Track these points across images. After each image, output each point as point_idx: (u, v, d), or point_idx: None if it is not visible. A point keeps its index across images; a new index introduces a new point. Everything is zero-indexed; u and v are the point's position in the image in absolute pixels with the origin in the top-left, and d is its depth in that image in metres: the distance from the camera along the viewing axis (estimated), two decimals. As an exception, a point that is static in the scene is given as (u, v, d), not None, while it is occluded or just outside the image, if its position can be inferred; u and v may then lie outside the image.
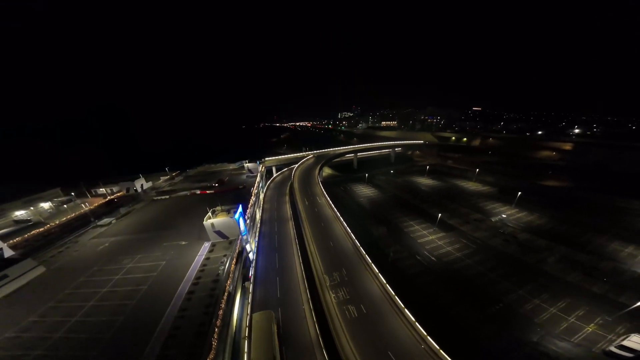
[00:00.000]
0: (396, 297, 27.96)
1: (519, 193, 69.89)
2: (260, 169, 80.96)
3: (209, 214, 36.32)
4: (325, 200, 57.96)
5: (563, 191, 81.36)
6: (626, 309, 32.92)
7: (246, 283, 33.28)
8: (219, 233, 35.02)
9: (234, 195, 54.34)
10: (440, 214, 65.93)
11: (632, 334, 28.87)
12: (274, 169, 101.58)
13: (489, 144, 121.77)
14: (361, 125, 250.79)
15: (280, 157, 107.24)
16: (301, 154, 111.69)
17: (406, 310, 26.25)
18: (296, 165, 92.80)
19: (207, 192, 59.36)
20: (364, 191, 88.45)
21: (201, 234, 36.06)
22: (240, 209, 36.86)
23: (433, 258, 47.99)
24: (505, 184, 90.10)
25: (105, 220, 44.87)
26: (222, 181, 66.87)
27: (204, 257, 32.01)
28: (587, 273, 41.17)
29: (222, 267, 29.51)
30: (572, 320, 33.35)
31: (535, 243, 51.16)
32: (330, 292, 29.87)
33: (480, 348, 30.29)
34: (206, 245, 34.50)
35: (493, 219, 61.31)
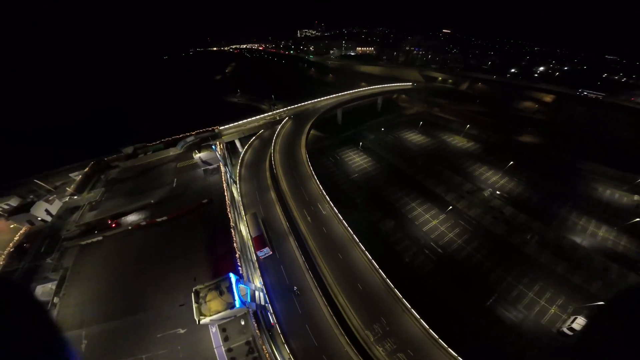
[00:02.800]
0: (438, 337, 30.09)
1: (511, 162, 73.18)
2: (218, 151, 63.20)
3: (195, 294, 26.86)
4: (330, 209, 47.93)
5: (536, 150, 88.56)
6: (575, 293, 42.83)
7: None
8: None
9: (203, 219, 43.10)
10: (436, 189, 68.04)
11: (577, 317, 38.29)
12: (237, 143, 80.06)
13: (477, 89, 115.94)
14: (333, 53, 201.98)
15: (240, 123, 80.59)
16: (270, 114, 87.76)
17: (450, 349, 28.70)
18: (273, 143, 69.46)
19: (158, 220, 44.69)
20: (357, 161, 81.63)
21: (188, 303, 27.47)
22: (233, 279, 27.53)
23: (440, 250, 51.71)
24: (489, 139, 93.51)
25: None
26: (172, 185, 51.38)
27: (223, 347, 26.75)
28: (554, 253, 50.20)
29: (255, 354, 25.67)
30: (543, 303, 42.53)
31: (517, 219, 58.36)
32: (377, 347, 30.12)
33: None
34: (214, 330, 28.27)
35: (485, 193, 65.42)
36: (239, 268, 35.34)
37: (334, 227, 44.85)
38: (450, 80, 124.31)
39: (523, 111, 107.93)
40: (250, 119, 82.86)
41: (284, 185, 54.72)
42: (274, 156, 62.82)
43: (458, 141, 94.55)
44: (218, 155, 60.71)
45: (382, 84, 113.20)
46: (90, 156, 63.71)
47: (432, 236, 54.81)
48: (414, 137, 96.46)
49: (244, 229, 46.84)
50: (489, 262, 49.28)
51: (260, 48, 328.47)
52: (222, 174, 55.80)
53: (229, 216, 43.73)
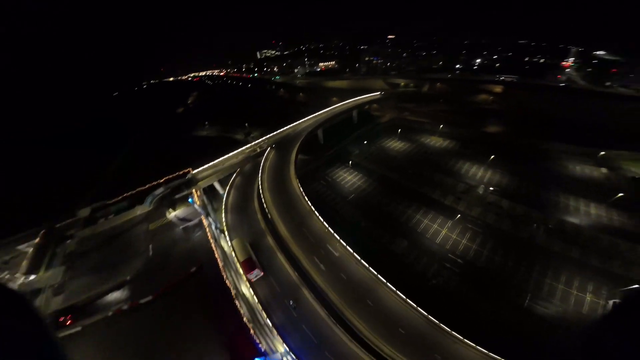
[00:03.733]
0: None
1: (492, 156, 76.36)
2: (196, 203, 55.32)
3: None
4: (343, 249, 42.22)
5: (504, 137, 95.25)
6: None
7: None
8: None
9: (197, 293, 36.58)
10: (434, 195, 67.44)
11: (615, 300, 37.92)
12: (216, 185, 69.95)
13: (437, 89, 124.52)
14: (298, 71, 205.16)
15: (217, 162, 71.24)
16: (249, 146, 79.97)
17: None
18: (259, 180, 61.51)
19: (143, 301, 37.11)
20: (349, 179, 78.50)
21: None
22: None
23: (459, 260, 49.28)
24: (461, 136, 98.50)
25: None
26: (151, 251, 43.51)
27: None
28: (563, 239, 51.06)
29: None
30: (575, 292, 41.77)
31: (517, 211, 59.41)
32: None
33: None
34: None
35: (479, 191, 66.28)
36: (259, 346, 28.18)
37: (352, 269, 39.52)
38: (411, 85, 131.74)
39: (481, 104, 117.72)
40: (227, 156, 74.83)
41: (282, 228, 47.90)
42: (263, 195, 56.01)
43: (435, 141, 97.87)
44: (197, 208, 52.17)
45: (353, 97, 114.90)
46: (38, 223, 50.60)
47: (447, 247, 52.46)
48: (395, 145, 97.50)
49: (245, 290, 38.65)
50: (510, 262, 47.99)
51: (221, 74, 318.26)
52: (207, 228, 47.59)
53: (227, 283, 36.00)
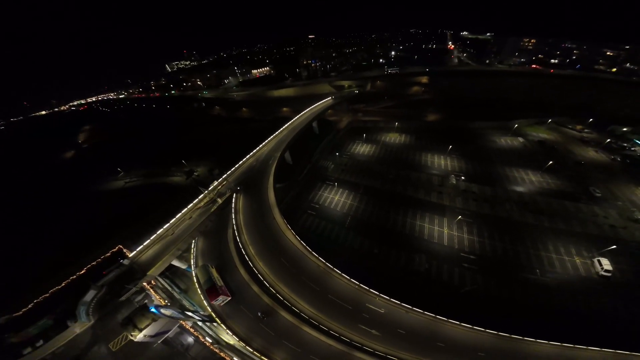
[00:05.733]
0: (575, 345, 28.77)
1: (450, 146, 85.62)
2: (158, 302, 42.74)
3: None
4: (386, 302, 37.60)
5: (441, 123, 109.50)
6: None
7: None
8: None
9: None
10: (419, 195, 70.90)
11: (599, 259, 46.20)
12: (176, 263, 52.35)
13: (378, 86, 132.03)
14: (229, 82, 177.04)
15: (162, 234, 51.05)
16: (203, 196, 60.00)
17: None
18: (240, 243, 47.85)
19: None
20: (336, 200, 73.44)
21: None
22: None
23: (472, 256, 52.39)
24: (412, 128, 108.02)
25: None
26: None
27: None
28: (529, 210, 61.05)
29: None
30: (567, 258, 49.53)
31: (486, 192, 68.53)
32: None
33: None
34: None
35: (452, 181, 73.19)
36: None
37: (404, 320, 35.82)
38: (354, 85, 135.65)
39: (416, 95, 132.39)
40: (174, 221, 53.21)
41: (303, 305, 38.67)
42: (256, 265, 44.64)
43: (395, 138, 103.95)
44: (168, 313, 37.40)
45: (306, 106, 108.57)
46: None
47: (456, 246, 55.44)
48: (363, 149, 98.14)
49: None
50: (507, 244, 54.18)
51: (120, 97, 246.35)
52: (195, 333, 34.70)
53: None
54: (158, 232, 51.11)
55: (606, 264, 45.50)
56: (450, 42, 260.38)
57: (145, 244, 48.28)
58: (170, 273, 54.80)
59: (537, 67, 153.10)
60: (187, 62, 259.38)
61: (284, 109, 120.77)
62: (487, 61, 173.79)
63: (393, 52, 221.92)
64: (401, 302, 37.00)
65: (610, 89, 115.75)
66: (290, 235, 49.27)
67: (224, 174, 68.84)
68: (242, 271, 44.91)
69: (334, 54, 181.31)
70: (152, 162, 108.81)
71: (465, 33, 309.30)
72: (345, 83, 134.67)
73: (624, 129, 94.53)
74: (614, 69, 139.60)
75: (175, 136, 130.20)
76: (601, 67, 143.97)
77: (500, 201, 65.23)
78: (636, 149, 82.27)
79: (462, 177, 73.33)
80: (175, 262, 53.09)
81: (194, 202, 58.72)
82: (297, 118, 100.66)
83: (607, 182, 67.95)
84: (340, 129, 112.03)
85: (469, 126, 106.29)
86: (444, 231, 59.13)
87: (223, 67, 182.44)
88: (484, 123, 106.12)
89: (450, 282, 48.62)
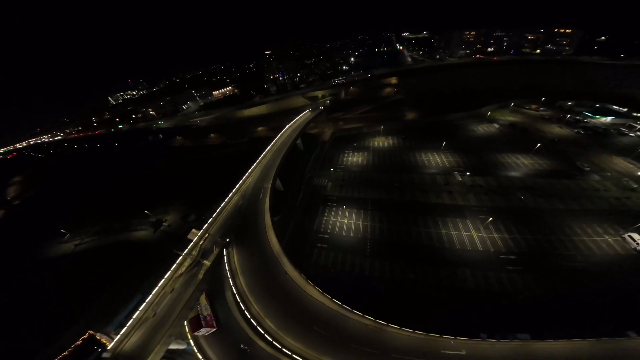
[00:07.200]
0: None
1: (444, 143, 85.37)
2: None
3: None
4: (462, 342, 31.66)
5: (420, 121, 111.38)
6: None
7: None
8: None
9: None
10: (432, 199, 67.64)
11: (631, 234, 46.76)
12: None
13: (352, 93, 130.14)
14: (189, 107, 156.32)
15: (140, 315, 38.23)
16: (183, 257, 45.35)
17: None
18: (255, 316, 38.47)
19: None
20: (346, 224, 64.50)
21: None
22: None
23: (511, 256, 49.39)
24: (396, 130, 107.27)
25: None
26: None
27: None
28: (539, 195, 61.98)
29: None
30: (598, 238, 49.07)
31: (491, 183, 68.37)
32: None
33: None
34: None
35: (458, 177, 71.90)
36: None
37: (490, 353, 29.94)
38: (327, 94, 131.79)
39: (389, 97, 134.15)
40: (151, 299, 39.42)
41: None
42: (284, 344, 34.50)
43: (382, 142, 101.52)
44: None
45: (282, 122, 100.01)
46: None
47: (492, 249, 52.14)
48: (355, 159, 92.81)
49: None
50: (539, 235, 51.68)
51: (56, 138, 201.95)
52: None
53: None
54: (135, 316, 37.44)
55: (638, 238, 46.32)
56: (397, 44, 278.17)
57: (123, 332, 35.34)
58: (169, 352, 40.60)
59: (480, 56, 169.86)
60: (134, 92, 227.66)
61: (259, 128, 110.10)
62: (438, 56, 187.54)
63: (352, 59, 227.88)
64: (473, 333, 31.08)
65: (545, 69, 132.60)
66: (314, 292, 39.45)
67: (205, 223, 54.41)
68: (264, 347, 34.14)
69: (299, 66, 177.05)
70: (105, 216, 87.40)
71: (406, 34, 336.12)
72: (319, 93, 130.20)
73: (569, 103, 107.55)
74: (538, 51, 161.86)
75: (131, 178, 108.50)
76: (527, 50, 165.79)
77: (508, 191, 65.23)
78: (589, 120, 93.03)
79: (467, 173, 72.45)
80: (172, 346, 39.79)
81: (172, 269, 44.19)
82: (279, 137, 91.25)
83: (585, 155, 73.66)
84: (325, 141, 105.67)
85: (446, 119, 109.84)
86: (472, 235, 55.72)
87: (178, 92, 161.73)
88: (458, 114, 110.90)
89: (503, 291, 44.41)
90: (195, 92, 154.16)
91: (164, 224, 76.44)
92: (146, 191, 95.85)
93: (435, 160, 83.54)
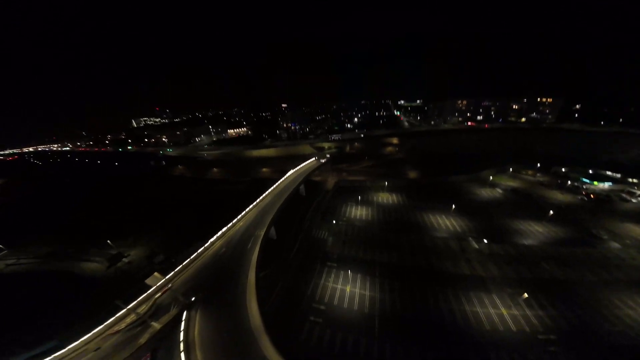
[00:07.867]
0: None
1: (453, 206, 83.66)
2: None
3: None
4: None
5: (424, 180, 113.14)
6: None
7: None
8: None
9: None
10: (448, 267, 60.75)
11: None
12: None
13: (356, 147, 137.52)
14: (202, 141, 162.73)
15: None
16: (123, 312, 35.69)
17: None
18: None
19: None
20: (349, 291, 56.12)
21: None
22: None
23: (551, 336, 40.53)
24: (399, 187, 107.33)
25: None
26: None
27: None
28: (564, 265, 56.54)
29: None
30: None
31: (509, 252, 62.82)
32: None
33: None
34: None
35: (473, 244, 66.65)
36: None
37: None
38: (333, 147, 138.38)
39: (391, 155, 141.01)
40: (68, 350, 30.49)
41: None
42: None
43: (385, 198, 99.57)
44: None
45: (287, 166, 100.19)
46: None
47: (527, 329, 42.27)
48: (359, 213, 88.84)
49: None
50: (578, 310, 43.17)
51: (64, 149, 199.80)
52: None
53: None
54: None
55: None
56: (395, 110, 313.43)
57: None
58: None
59: (472, 124, 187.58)
60: (158, 120, 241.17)
61: (264, 169, 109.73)
62: (432, 122, 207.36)
63: (356, 119, 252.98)
64: None
65: (532, 137, 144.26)
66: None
67: (172, 270, 44.91)
68: None
69: (310, 119, 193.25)
70: (60, 237, 75.69)
71: (402, 102, 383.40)
72: (325, 145, 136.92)
73: (563, 170, 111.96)
74: (523, 119, 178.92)
75: (109, 200, 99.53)
76: (512, 118, 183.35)
77: (531, 260, 59.54)
78: (588, 186, 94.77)
79: (485, 240, 67.34)
80: None
81: (106, 323, 34.07)
82: (283, 180, 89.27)
83: (595, 222, 71.54)
84: (328, 190, 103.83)
85: (447, 181, 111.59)
86: (502, 313, 46.98)
87: (197, 125, 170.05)
88: (460, 177, 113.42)
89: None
90: (212, 127, 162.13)
91: (124, 259, 64.97)
92: (119, 216, 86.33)
93: (445, 223, 79.57)
